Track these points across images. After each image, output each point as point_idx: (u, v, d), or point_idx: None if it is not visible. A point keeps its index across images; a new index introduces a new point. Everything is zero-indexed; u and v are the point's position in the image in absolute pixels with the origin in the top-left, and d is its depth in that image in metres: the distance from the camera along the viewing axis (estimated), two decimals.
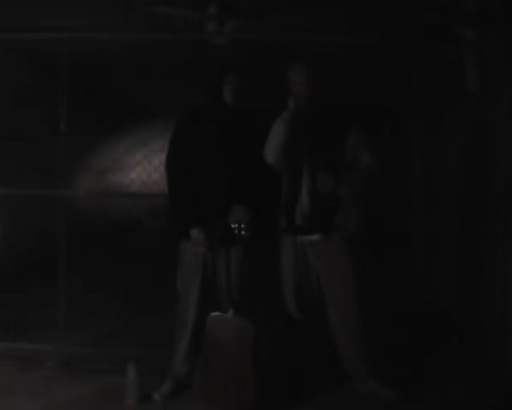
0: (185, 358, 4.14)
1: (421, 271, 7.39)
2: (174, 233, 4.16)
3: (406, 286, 7.00)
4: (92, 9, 4.90)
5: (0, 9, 4.69)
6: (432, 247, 7.01)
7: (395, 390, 4.13)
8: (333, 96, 4.21)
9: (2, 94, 6.33)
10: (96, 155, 8.43)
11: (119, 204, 8.45)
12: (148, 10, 4.99)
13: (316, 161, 4.00)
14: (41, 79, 5.97)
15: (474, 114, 4.87)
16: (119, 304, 6.06)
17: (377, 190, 4.11)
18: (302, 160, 4.03)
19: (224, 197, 4.00)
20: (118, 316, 5.81)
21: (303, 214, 4.04)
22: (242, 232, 3.91)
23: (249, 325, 3.86)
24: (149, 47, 5.74)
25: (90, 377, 4.45)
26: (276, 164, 4.00)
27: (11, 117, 6.28)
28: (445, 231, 6.22)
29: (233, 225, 3.93)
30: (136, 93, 8.90)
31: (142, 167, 6.36)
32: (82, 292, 5.34)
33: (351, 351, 4.16)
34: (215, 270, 4.10)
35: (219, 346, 3.90)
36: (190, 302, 4.12)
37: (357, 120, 4.13)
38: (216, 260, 4.09)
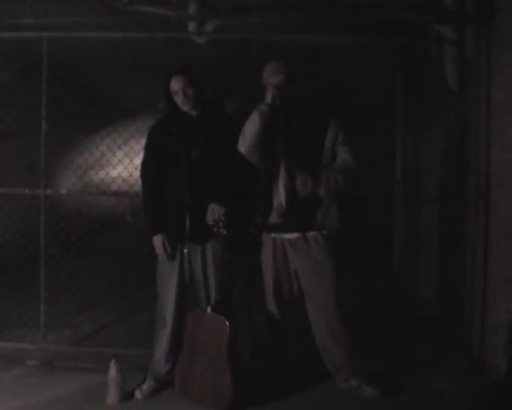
0: (165, 356, 4.15)
1: (403, 268, 7.49)
2: (149, 232, 4.18)
3: (387, 283, 7.09)
4: (75, 8, 4.91)
5: None
6: (413, 245, 7.09)
7: (375, 386, 4.18)
8: (312, 93, 4.25)
9: None
10: (78, 154, 8.43)
11: (101, 203, 8.47)
12: (129, 9, 5.00)
13: (293, 157, 4.02)
14: (23, 78, 5.96)
15: (454, 112, 4.91)
16: (101, 303, 6.09)
17: (355, 189, 4.12)
18: (279, 155, 4.05)
19: (197, 196, 4.00)
20: (100, 315, 5.82)
21: (279, 212, 4.06)
22: (220, 230, 3.93)
23: (225, 321, 3.86)
24: (131, 46, 5.77)
25: (73, 376, 4.46)
26: (250, 156, 3.98)
27: None
28: (426, 229, 6.28)
29: (211, 223, 3.95)
30: (117, 92, 8.94)
31: (123, 166, 6.35)
32: (63, 291, 5.33)
33: (330, 347, 4.18)
34: (191, 268, 4.12)
35: (199, 344, 3.92)
36: (168, 301, 4.13)
37: (337, 116, 4.14)
38: (192, 259, 4.11)
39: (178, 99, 4.01)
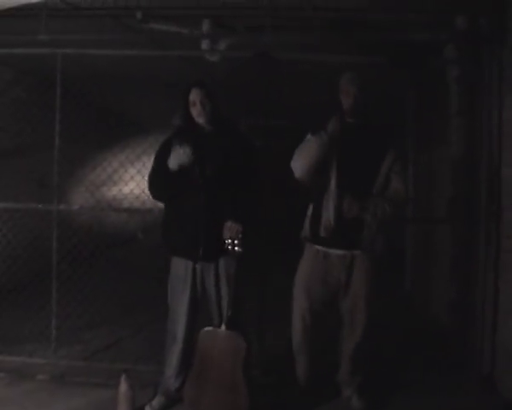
0: (176, 372, 4.14)
1: (414, 286, 7.47)
2: (164, 248, 4.18)
3: (400, 300, 7.09)
4: (89, 26, 4.97)
5: None
6: (424, 263, 7.08)
7: (363, 400, 4.22)
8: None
9: None
10: (91, 170, 8.48)
11: (113, 219, 8.51)
12: (143, 27, 5.04)
13: (347, 178, 4.03)
14: (37, 94, 6.02)
15: (465, 133, 4.92)
16: (112, 318, 6.10)
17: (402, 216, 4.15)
18: (332, 173, 4.06)
19: (211, 213, 3.99)
20: (110, 330, 5.83)
21: (327, 229, 4.06)
22: (236, 248, 3.92)
23: (242, 339, 3.87)
24: (145, 64, 5.81)
25: (83, 391, 4.46)
26: (305, 180, 4.06)
27: (7, 132, 6.33)
28: (438, 246, 6.27)
29: (226, 241, 3.94)
30: (130, 109, 8.98)
31: (136, 182, 6.39)
32: (75, 306, 5.35)
33: (349, 363, 4.27)
34: (204, 284, 4.13)
35: (212, 360, 3.90)
36: (180, 317, 4.13)
37: (395, 143, 4.17)
38: (205, 275, 4.11)
39: (195, 110, 4.02)
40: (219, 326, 3.96)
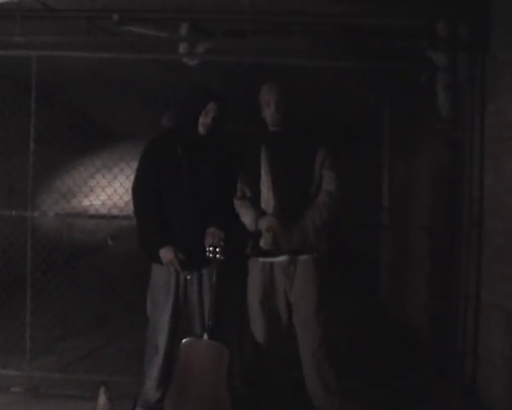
0: (157, 384, 4.01)
1: (391, 295, 7.46)
2: (144, 256, 4.06)
3: (376, 309, 7.06)
4: (66, 28, 4.85)
5: None
6: (401, 271, 7.07)
7: None
8: (301, 117, 4.22)
9: None
10: (66, 176, 8.33)
11: (83, 226, 8.37)
12: (120, 30, 4.95)
13: (281, 184, 3.96)
14: (11, 97, 5.88)
15: (446, 140, 4.90)
16: (86, 328, 5.97)
17: (341, 215, 4.08)
18: (267, 181, 4.00)
19: (194, 221, 3.91)
20: (85, 340, 5.71)
21: (267, 240, 3.95)
22: (217, 256, 3.85)
23: (225, 349, 3.79)
24: (120, 68, 5.72)
25: (59, 403, 4.34)
26: None
27: None
28: (416, 255, 6.25)
29: (208, 249, 3.86)
30: (107, 115, 8.85)
31: (113, 189, 6.28)
32: (49, 316, 5.21)
33: (313, 381, 4.07)
34: (186, 293, 4.03)
35: (193, 371, 3.80)
36: (162, 327, 4.01)
37: (325, 144, 4.07)
38: (188, 283, 4.01)
39: (206, 119, 3.93)
40: (201, 336, 3.87)
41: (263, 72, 4.56)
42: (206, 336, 3.84)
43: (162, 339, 4.00)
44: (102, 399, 3.93)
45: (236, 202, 4.07)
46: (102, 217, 5.72)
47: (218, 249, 3.84)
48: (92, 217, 6.04)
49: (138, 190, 4.04)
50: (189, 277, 3.97)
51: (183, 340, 3.88)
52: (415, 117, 5.97)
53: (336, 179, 4.00)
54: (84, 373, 4.77)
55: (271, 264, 4.03)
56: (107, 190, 6.38)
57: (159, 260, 3.95)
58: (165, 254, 3.89)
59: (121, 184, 5.75)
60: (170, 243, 3.88)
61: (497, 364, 4.31)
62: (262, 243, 4.00)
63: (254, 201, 4.02)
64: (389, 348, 5.47)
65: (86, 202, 8.64)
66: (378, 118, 7.39)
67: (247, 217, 4.01)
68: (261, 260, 4.05)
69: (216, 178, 3.95)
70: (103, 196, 6.93)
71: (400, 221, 7.14)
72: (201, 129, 3.95)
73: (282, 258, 4.00)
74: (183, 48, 5.02)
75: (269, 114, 4.03)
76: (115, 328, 6.08)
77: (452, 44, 4.75)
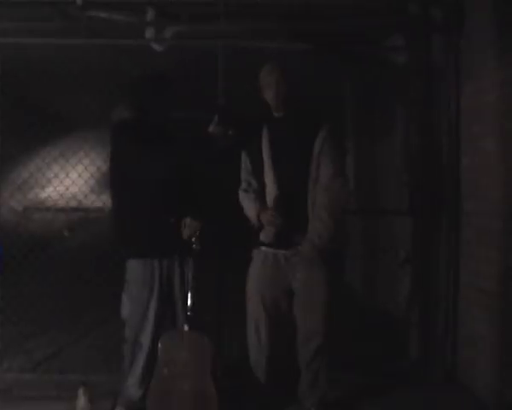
0: (140, 381, 3.84)
1: (358, 281, 7.43)
2: (119, 252, 3.90)
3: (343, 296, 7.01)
4: (26, 14, 4.63)
5: None
6: (370, 257, 7.04)
7: None
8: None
9: None
10: (14, 168, 8.07)
11: (47, 217, 8.11)
12: (82, 15, 4.75)
13: (282, 171, 3.86)
14: None
15: (420, 124, 4.85)
16: (51, 324, 5.75)
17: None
18: (268, 169, 3.91)
19: (172, 211, 3.79)
20: (51, 337, 5.51)
21: (268, 232, 3.88)
22: (194, 246, 3.75)
23: (206, 339, 3.67)
24: (79, 57, 5.52)
25: (34, 405, 4.15)
26: None
27: None
28: (387, 241, 6.20)
29: (185, 238, 3.76)
30: (55, 104, 8.57)
31: (59, 180, 6.07)
32: (15, 313, 4.99)
33: (308, 373, 4.02)
34: (170, 286, 3.89)
35: (176, 364, 3.67)
36: (146, 324, 3.83)
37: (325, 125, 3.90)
38: (170, 275, 3.87)
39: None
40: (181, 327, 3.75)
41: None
42: (186, 327, 3.72)
43: (147, 334, 3.84)
44: (82, 401, 3.78)
45: (241, 194, 4.01)
46: (76, 210, 5.48)
47: (193, 239, 3.75)
48: (62, 210, 5.76)
49: (114, 185, 3.90)
50: None
51: (164, 333, 3.76)
52: (384, 100, 5.89)
53: (334, 168, 3.83)
54: (58, 372, 4.59)
55: (275, 254, 3.92)
56: (65, 182, 6.15)
57: (138, 255, 3.82)
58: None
59: (80, 175, 5.68)
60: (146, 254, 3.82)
61: (479, 347, 4.32)
62: (263, 237, 3.91)
63: (260, 193, 3.93)
64: (362, 334, 5.42)
65: (43, 194, 8.38)
66: (341, 103, 7.36)
67: (250, 210, 3.94)
68: (264, 249, 3.94)
69: (186, 165, 3.82)
70: (61, 188, 6.73)
71: (368, 206, 7.10)
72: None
73: (286, 250, 3.89)
74: (149, 33, 4.86)
75: (270, 96, 3.90)
76: (80, 323, 5.92)
77: (423, 24, 4.69)
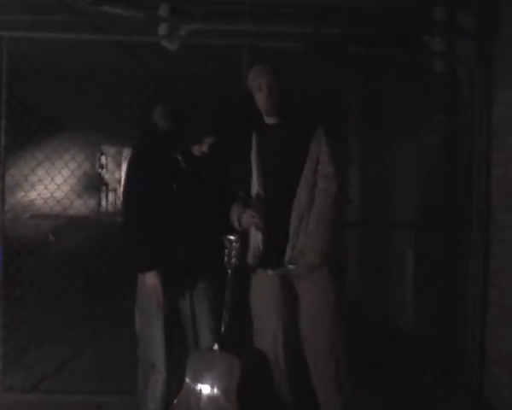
0: (162, 404, 3.61)
1: (365, 296, 7.23)
2: (131, 265, 3.66)
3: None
4: (34, 8, 4.34)
5: None
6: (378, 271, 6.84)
7: None
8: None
9: None
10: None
11: (32, 223, 7.80)
12: (92, 10, 4.49)
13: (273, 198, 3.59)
14: None
15: (443, 130, 4.67)
16: (50, 335, 5.44)
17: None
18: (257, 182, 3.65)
19: (190, 230, 3.59)
20: (51, 351, 5.22)
21: (255, 253, 3.62)
22: (232, 260, 3.52)
23: (237, 359, 3.42)
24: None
25: None
26: None
27: None
28: (398, 254, 6.01)
29: (226, 254, 3.53)
30: (43, 105, 8.25)
31: (44, 185, 5.81)
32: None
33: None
34: (176, 305, 3.68)
35: (202, 388, 3.42)
36: (156, 341, 3.61)
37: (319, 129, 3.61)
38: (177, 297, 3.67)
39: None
40: (211, 347, 3.50)
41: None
42: (216, 347, 3.47)
43: (159, 354, 3.61)
44: None
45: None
46: (73, 218, 5.19)
47: (233, 254, 3.53)
48: (72, 218, 5.47)
49: (128, 201, 3.67)
50: None
51: (192, 352, 3.55)
52: (416, 108, 5.65)
53: (334, 178, 3.56)
54: (61, 391, 4.34)
55: (283, 274, 3.64)
56: (50, 187, 5.85)
57: (146, 269, 3.59)
58: (149, 279, 3.55)
59: (66, 180, 5.49)
60: (156, 267, 3.54)
61: (508, 365, 4.14)
62: (249, 259, 3.64)
63: (247, 201, 3.64)
64: (379, 351, 5.21)
65: (26, 199, 8.10)
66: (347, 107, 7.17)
67: (232, 215, 3.65)
68: (270, 272, 3.65)
69: (214, 187, 3.66)
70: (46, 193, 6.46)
71: (375, 218, 6.90)
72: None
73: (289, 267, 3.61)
74: (162, 29, 4.60)
75: (261, 100, 3.58)
76: (78, 335, 5.63)
77: (450, 30, 4.50)
